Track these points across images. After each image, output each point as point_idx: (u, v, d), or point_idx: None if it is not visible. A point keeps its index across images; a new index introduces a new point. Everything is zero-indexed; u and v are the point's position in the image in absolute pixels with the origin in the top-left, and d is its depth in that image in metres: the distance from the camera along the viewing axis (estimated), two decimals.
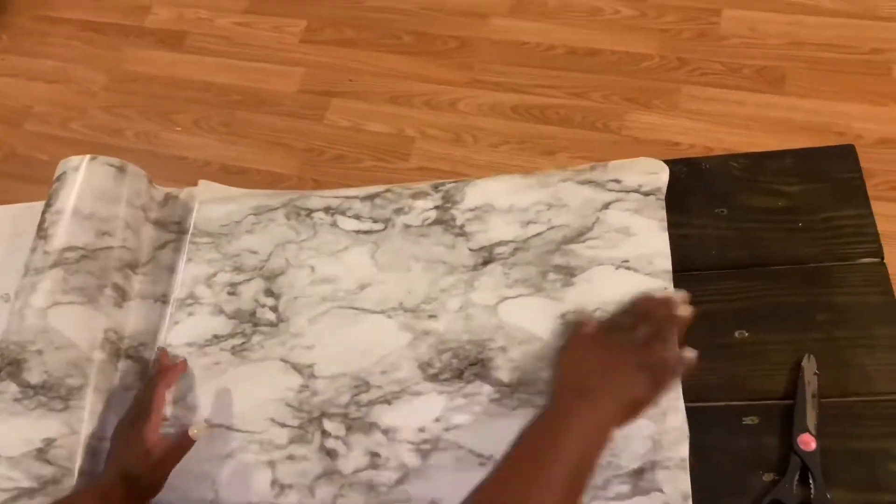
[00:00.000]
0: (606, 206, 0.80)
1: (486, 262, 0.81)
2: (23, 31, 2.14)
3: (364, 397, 0.78)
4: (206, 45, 2.00)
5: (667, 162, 0.84)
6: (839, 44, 1.69)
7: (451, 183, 0.86)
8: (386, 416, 0.77)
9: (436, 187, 0.87)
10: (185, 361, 0.84)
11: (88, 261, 0.87)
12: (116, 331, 0.86)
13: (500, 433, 0.72)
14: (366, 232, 0.86)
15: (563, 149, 1.68)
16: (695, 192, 0.84)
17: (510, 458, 0.60)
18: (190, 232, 0.91)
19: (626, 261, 0.78)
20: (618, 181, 0.81)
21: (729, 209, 0.82)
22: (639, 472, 0.69)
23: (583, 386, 0.62)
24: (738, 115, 1.66)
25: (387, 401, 0.77)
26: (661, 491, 0.68)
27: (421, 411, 0.76)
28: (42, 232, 0.90)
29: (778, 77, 1.69)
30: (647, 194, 0.80)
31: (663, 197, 0.80)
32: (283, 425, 0.78)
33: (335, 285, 0.84)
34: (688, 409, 0.72)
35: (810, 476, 0.69)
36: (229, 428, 0.79)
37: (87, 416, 0.80)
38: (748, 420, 0.73)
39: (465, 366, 0.77)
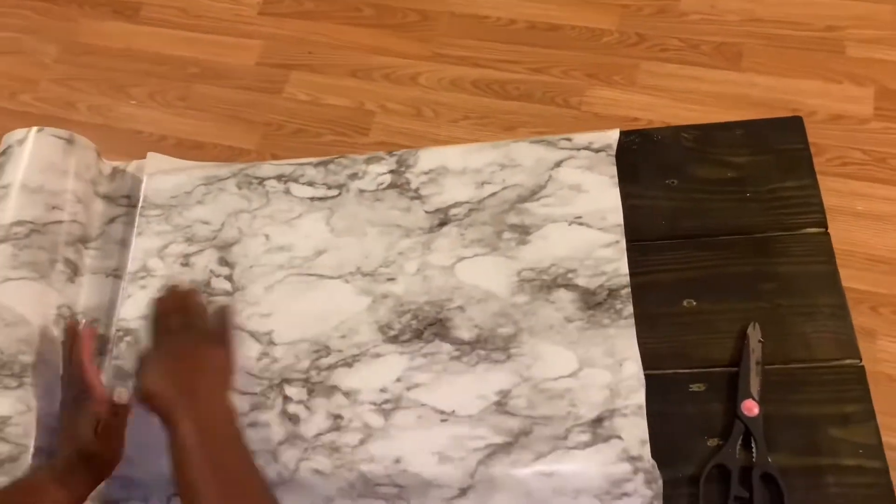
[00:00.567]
0: (558, 164, 0.82)
1: (441, 224, 0.83)
2: None
3: (324, 361, 0.79)
4: (162, 16, 1.96)
5: (620, 133, 0.85)
6: (795, 20, 1.73)
7: (404, 149, 0.87)
8: (347, 378, 0.77)
9: (390, 152, 0.88)
10: (90, 323, 0.84)
11: (38, 235, 0.86)
12: (69, 306, 0.86)
13: (460, 389, 0.75)
14: (320, 198, 0.87)
15: (524, 124, 1.69)
16: (646, 162, 0.85)
17: (186, 492, 0.61)
18: (140, 205, 0.91)
19: (579, 217, 0.80)
20: (569, 139, 0.83)
21: (679, 180, 0.84)
22: (598, 421, 0.71)
23: (176, 396, 0.64)
24: (696, 91, 1.69)
25: (347, 364, 0.78)
26: (619, 438, 0.70)
27: (382, 372, 0.77)
28: None
29: (735, 54, 1.72)
30: (597, 151, 0.82)
31: (613, 153, 0.82)
32: (244, 393, 0.79)
33: (291, 253, 0.84)
34: None
35: (753, 441, 0.71)
36: None
37: (41, 392, 0.80)
38: (695, 387, 0.75)
39: (424, 326, 0.78)
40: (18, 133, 0.93)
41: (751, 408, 0.72)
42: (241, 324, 0.82)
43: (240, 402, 0.78)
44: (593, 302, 0.76)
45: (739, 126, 0.87)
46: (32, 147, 0.91)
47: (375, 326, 0.79)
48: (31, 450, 0.77)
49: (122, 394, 0.76)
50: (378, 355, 0.78)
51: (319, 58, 1.84)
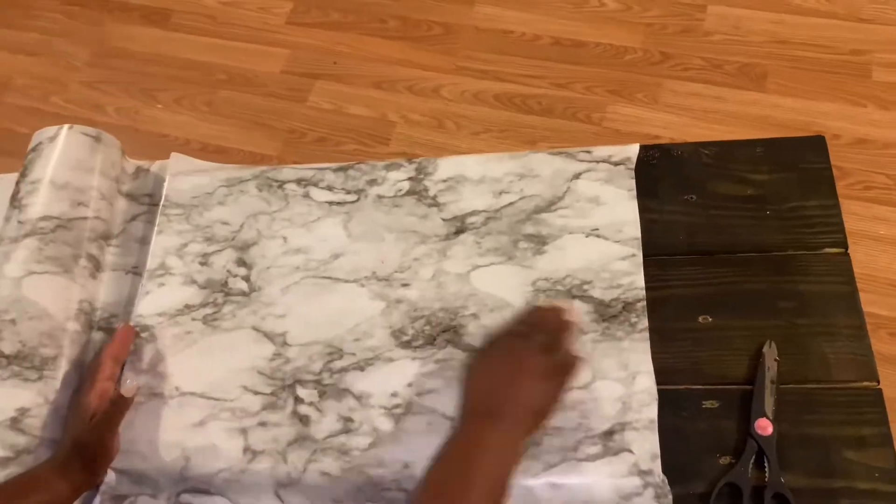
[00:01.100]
0: (577, 175, 0.82)
1: (458, 232, 0.83)
2: (6, 2, 2.11)
3: (337, 364, 0.79)
4: (191, 23, 1.99)
5: (640, 148, 0.85)
6: (821, 43, 1.72)
7: (424, 157, 0.88)
8: (359, 382, 0.78)
9: (409, 159, 0.88)
10: (129, 328, 0.84)
11: (64, 231, 0.87)
12: (90, 301, 0.86)
13: None
14: (338, 203, 0.87)
15: (544, 138, 1.69)
16: (666, 177, 0.85)
17: (426, 487, 0.60)
18: (161, 203, 0.92)
19: (596, 229, 0.79)
20: (588, 152, 0.83)
21: (698, 196, 0.84)
22: (608, 434, 0.70)
23: (490, 405, 0.62)
24: (719, 110, 1.68)
25: (360, 367, 0.78)
26: (630, 451, 0.69)
27: (393, 377, 0.77)
28: (16, 202, 0.90)
29: (760, 74, 1.71)
30: (616, 164, 0.82)
31: (632, 167, 0.82)
32: (256, 392, 0.79)
33: (308, 255, 0.85)
34: None
35: (766, 460, 0.70)
36: (201, 396, 0.80)
37: (60, 386, 0.80)
38: (708, 404, 0.74)
39: (437, 332, 0.78)
40: (49, 130, 0.94)
41: (765, 427, 0.71)
42: (257, 324, 0.82)
43: (251, 402, 0.78)
44: (608, 314, 0.75)
45: (760, 144, 0.86)
46: (62, 144, 0.92)
47: (389, 331, 0.79)
48: (48, 442, 0.77)
49: (130, 388, 0.76)
50: (390, 360, 0.78)
51: (344, 68, 1.86)
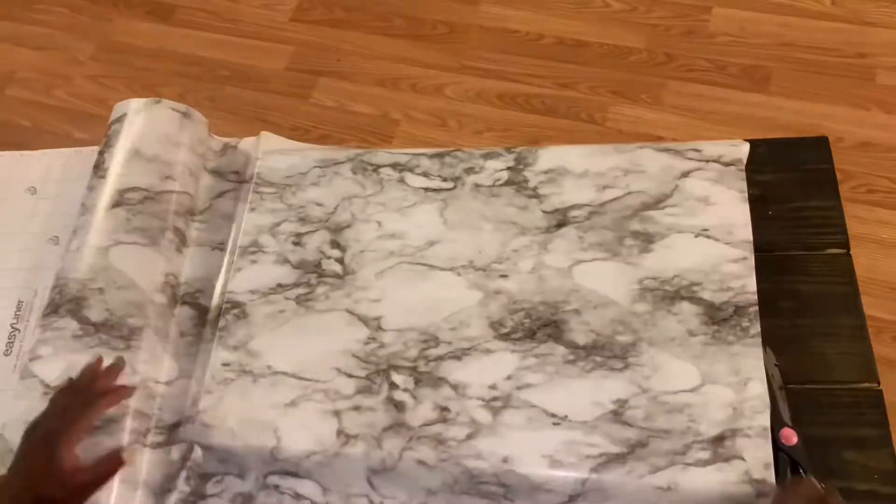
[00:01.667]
0: (686, 174, 0.70)
1: (559, 225, 0.71)
2: None
3: (433, 352, 0.68)
4: (195, 18, 1.82)
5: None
6: (826, 46, 1.59)
7: (523, 146, 0.76)
8: (455, 371, 0.67)
9: (508, 149, 0.76)
10: (132, 388, 0.67)
11: (151, 203, 0.76)
12: (175, 275, 0.75)
13: (574, 394, 0.64)
14: (434, 190, 0.75)
15: (547, 138, 1.55)
16: None
17: None
18: (253, 181, 0.80)
19: (706, 229, 0.68)
20: (697, 150, 0.71)
21: None
22: (719, 440, 0.60)
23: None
24: (723, 112, 1.56)
25: (456, 357, 0.67)
26: (741, 459, 0.59)
27: (492, 369, 0.66)
28: (101, 171, 0.79)
29: (764, 76, 1.58)
30: (727, 164, 0.70)
31: (743, 168, 0.70)
32: (350, 376, 0.68)
33: (403, 241, 0.73)
34: None
35: (801, 470, 0.60)
36: (293, 376, 0.69)
37: (147, 357, 0.70)
38: None
39: (537, 326, 0.67)
40: (134, 102, 0.83)
41: (789, 436, 0.61)
42: (351, 307, 0.71)
43: (345, 385, 0.67)
44: (719, 317, 0.64)
45: (763, 144, 0.76)
46: (148, 117, 0.81)
47: (486, 322, 0.68)
48: (134, 413, 0.67)
49: (131, 453, 0.65)
50: (488, 351, 0.67)
51: (348, 65, 1.70)
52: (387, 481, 0.64)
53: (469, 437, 0.64)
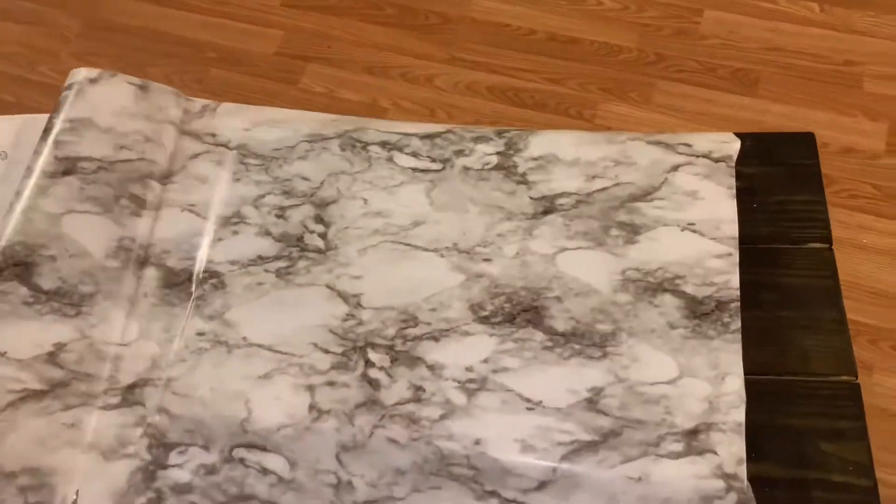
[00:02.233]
0: (675, 168, 0.70)
1: (546, 212, 0.70)
2: None
3: (411, 332, 0.67)
4: (185, 0, 1.80)
5: None
6: (814, 53, 1.59)
7: (515, 130, 0.74)
8: (433, 352, 0.66)
9: (499, 133, 0.75)
10: None
11: (106, 173, 0.76)
12: (134, 238, 0.74)
13: (550, 380, 0.63)
14: (423, 170, 0.74)
15: None
16: None
17: None
18: (237, 150, 0.78)
19: (693, 224, 0.67)
20: (688, 145, 0.71)
21: None
22: (693, 433, 0.59)
23: None
24: (710, 113, 1.55)
25: (434, 337, 0.66)
26: (714, 453, 0.59)
27: (469, 351, 0.65)
28: (51, 136, 0.77)
29: (752, 80, 1.58)
30: (717, 160, 0.69)
31: (733, 165, 0.70)
32: (326, 351, 0.67)
33: (388, 219, 0.72)
34: None
35: None
36: (268, 349, 0.67)
37: (97, 321, 0.69)
38: None
39: (517, 311, 0.66)
40: (90, 72, 0.81)
41: None
42: (331, 282, 0.69)
43: (321, 360, 0.66)
44: (700, 311, 0.64)
45: (751, 138, 0.76)
46: (103, 89, 0.80)
47: (467, 304, 0.67)
48: (82, 376, 0.67)
49: None
50: (467, 333, 0.66)
51: (338, 52, 1.67)
52: (356, 459, 0.63)
53: (442, 417, 0.63)
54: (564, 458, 0.60)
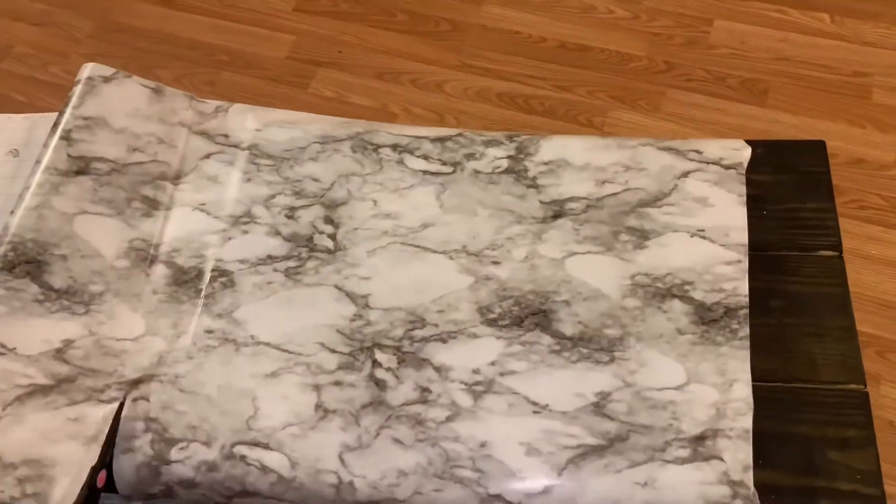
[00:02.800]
0: (686, 174, 0.69)
1: (556, 216, 0.70)
2: None
3: (418, 333, 0.66)
4: (197, 2, 1.78)
5: None
6: (824, 63, 1.58)
7: (525, 135, 0.74)
8: (440, 354, 0.65)
9: (510, 137, 0.75)
10: None
11: (118, 175, 0.76)
12: (145, 239, 0.74)
13: (557, 384, 0.63)
14: (433, 173, 0.74)
15: None
16: None
17: None
18: (249, 151, 0.78)
19: (702, 230, 0.67)
20: (699, 152, 0.70)
21: None
22: (700, 439, 0.59)
23: None
24: (719, 122, 1.54)
25: (441, 339, 0.66)
26: (721, 459, 0.58)
27: (476, 353, 0.65)
28: (64, 133, 0.77)
29: (761, 90, 1.57)
30: (727, 167, 0.69)
31: (744, 172, 0.69)
32: (333, 351, 0.66)
33: (397, 221, 0.72)
34: None
35: None
36: (276, 347, 0.67)
37: (105, 319, 0.69)
38: None
39: (525, 314, 0.66)
40: (104, 69, 0.82)
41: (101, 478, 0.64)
42: (340, 283, 0.69)
43: (327, 360, 0.66)
44: (708, 318, 0.63)
45: (761, 145, 0.75)
46: (118, 90, 0.80)
47: (475, 307, 0.67)
48: (88, 372, 0.67)
49: None
50: (474, 336, 0.66)
51: (349, 58, 1.67)
52: (359, 459, 0.63)
53: (448, 419, 0.62)
54: (570, 462, 0.59)
